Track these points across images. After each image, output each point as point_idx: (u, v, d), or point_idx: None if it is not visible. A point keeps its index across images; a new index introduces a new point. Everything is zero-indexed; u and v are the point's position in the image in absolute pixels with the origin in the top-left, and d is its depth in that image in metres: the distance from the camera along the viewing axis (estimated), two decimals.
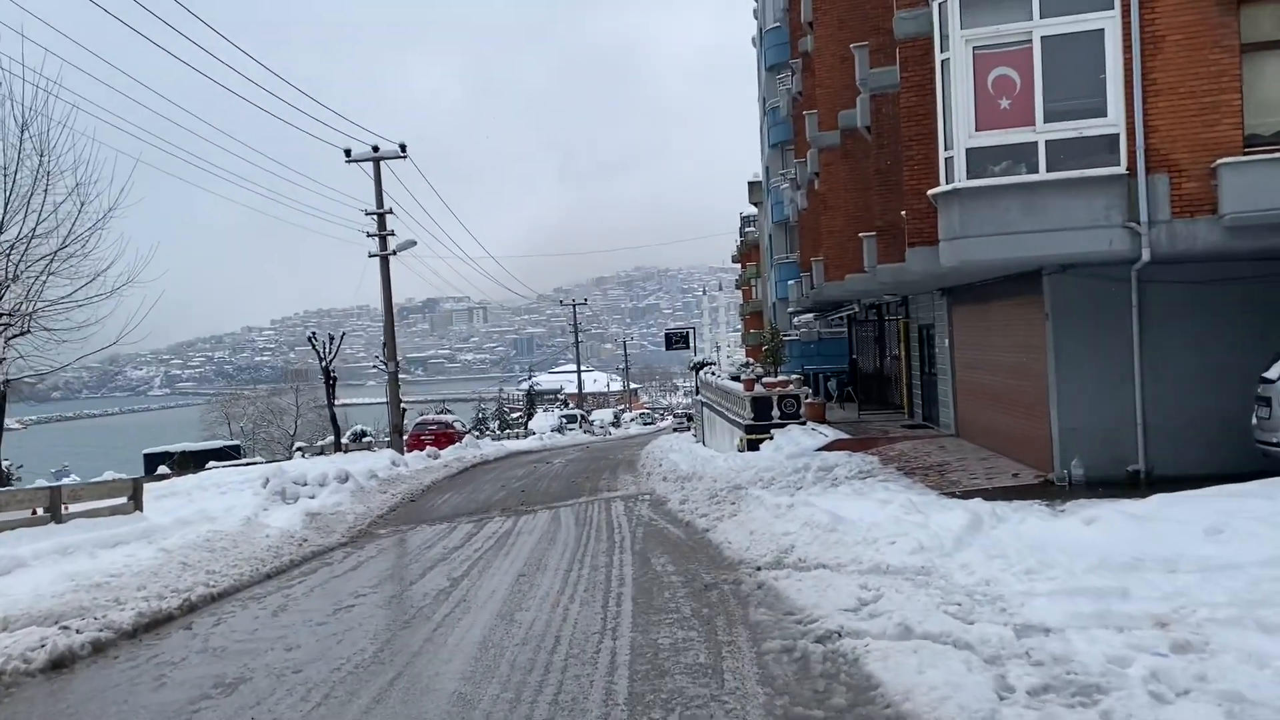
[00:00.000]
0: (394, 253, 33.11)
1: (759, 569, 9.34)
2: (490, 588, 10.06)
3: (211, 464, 31.16)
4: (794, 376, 23.49)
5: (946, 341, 19.29)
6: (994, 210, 11.91)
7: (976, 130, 12.11)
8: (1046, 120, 11.89)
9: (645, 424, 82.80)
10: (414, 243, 33.22)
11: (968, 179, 12.05)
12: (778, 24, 35.71)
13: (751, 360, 30.39)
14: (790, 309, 35.08)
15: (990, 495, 12.53)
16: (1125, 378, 13.15)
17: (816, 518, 10.08)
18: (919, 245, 13.69)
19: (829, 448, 19.29)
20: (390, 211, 32.90)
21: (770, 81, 39.31)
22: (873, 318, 28.39)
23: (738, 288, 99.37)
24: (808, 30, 23.40)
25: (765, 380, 23.61)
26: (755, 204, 71.89)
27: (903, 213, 14.36)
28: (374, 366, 36.98)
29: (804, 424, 22.65)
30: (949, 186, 12.18)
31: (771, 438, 22.55)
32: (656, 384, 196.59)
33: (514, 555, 12.24)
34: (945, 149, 12.43)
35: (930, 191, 12.63)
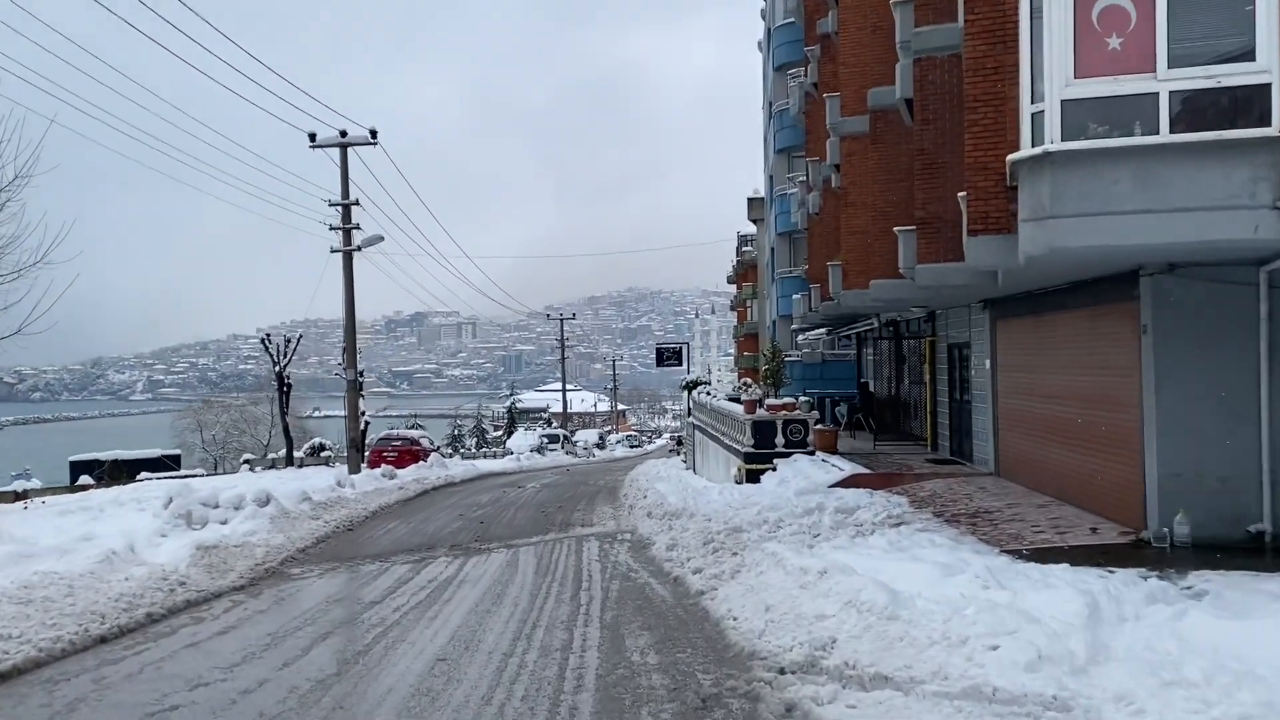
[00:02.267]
0: (359, 248, 30.11)
1: (783, 671, 6.30)
2: (388, 684, 6.96)
3: (144, 475, 27.93)
4: (801, 400, 20.50)
5: (987, 363, 16.32)
6: (1098, 182, 8.97)
7: (1076, 77, 9.18)
8: (1171, 65, 8.97)
9: (632, 446, 79.67)
10: (381, 238, 30.22)
11: (1063, 140, 9.11)
12: (790, 19, 33.01)
13: (749, 381, 27.38)
14: (794, 326, 32.12)
15: (1073, 558, 9.53)
16: (1248, 411, 10.21)
17: (864, 594, 7.02)
18: (984, 233, 10.73)
19: (845, 484, 16.29)
20: (356, 203, 29.96)
21: (778, 82, 36.60)
22: (888, 335, 25.46)
23: (733, 309, 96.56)
24: (831, 6, 20.55)
25: (769, 403, 20.60)
26: (755, 220, 69.18)
27: (961, 194, 11.41)
28: (335, 375, 33.77)
29: (812, 454, 19.65)
30: (1037, 150, 9.23)
31: (774, 469, 19.57)
32: (645, 405, 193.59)
33: (443, 621, 9.14)
34: (1032, 102, 9.50)
35: (1011, 158, 9.68)
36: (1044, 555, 9.93)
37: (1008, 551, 10.35)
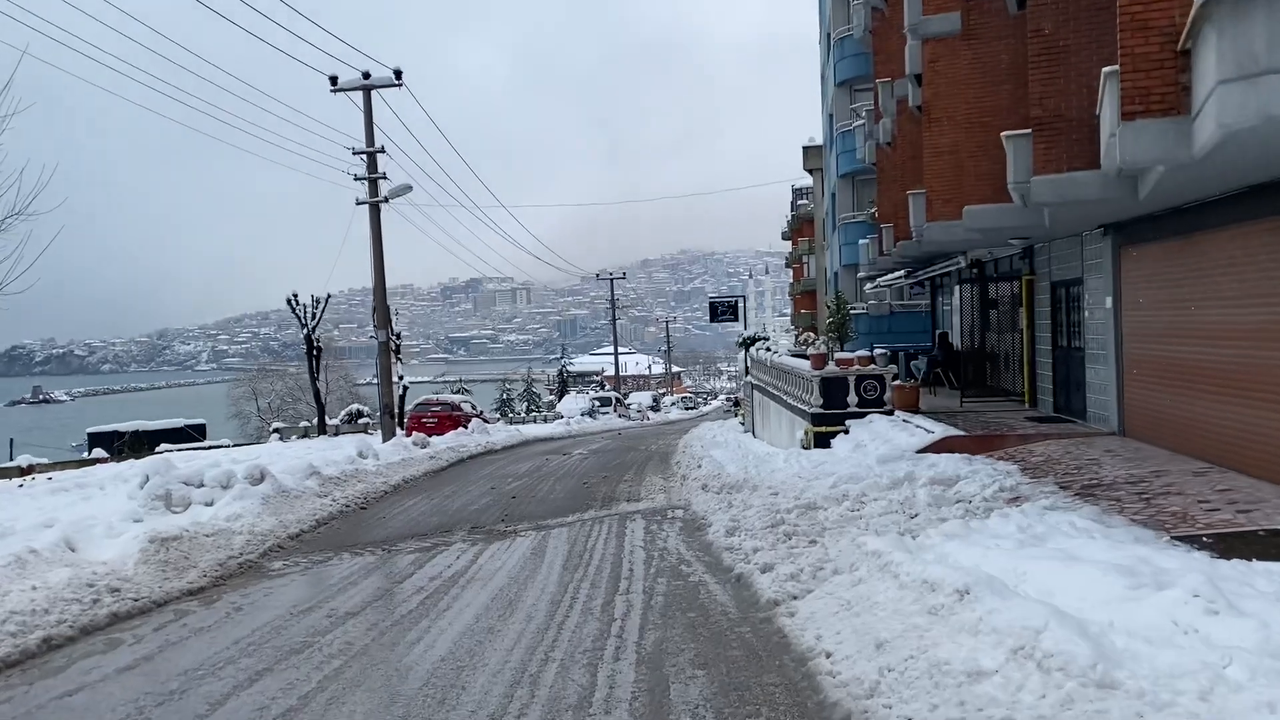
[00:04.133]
0: (385, 199, 27.92)
1: None
2: None
3: (163, 447, 26.29)
4: (877, 353, 17.85)
5: (1108, 301, 13.52)
6: None
7: None
8: None
9: (687, 408, 77.53)
10: (409, 188, 27.97)
11: None
12: None
13: (812, 335, 24.71)
14: (862, 274, 29.25)
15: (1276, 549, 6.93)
16: None
17: (1046, 638, 4.42)
18: (1145, 115, 7.99)
19: (935, 448, 13.71)
20: (382, 150, 27.72)
21: (838, 9, 33.41)
22: (968, 277, 22.58)
23: (788, 266, 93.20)
24: None
25: (839, 356, 18.01)
26: (811, 170, 65.78)
27: (1109, 69, 8.66)
28: (367, 337, 31.85)
29: (890, 414, 17.07)
30: None
31: (847, 431, 17.06)
32: (700, 367, 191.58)
33: (427, 647, 6.86)
34: None
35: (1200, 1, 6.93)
36: (1239, 545, 7.31)
37: (1181, 539, 7.75)
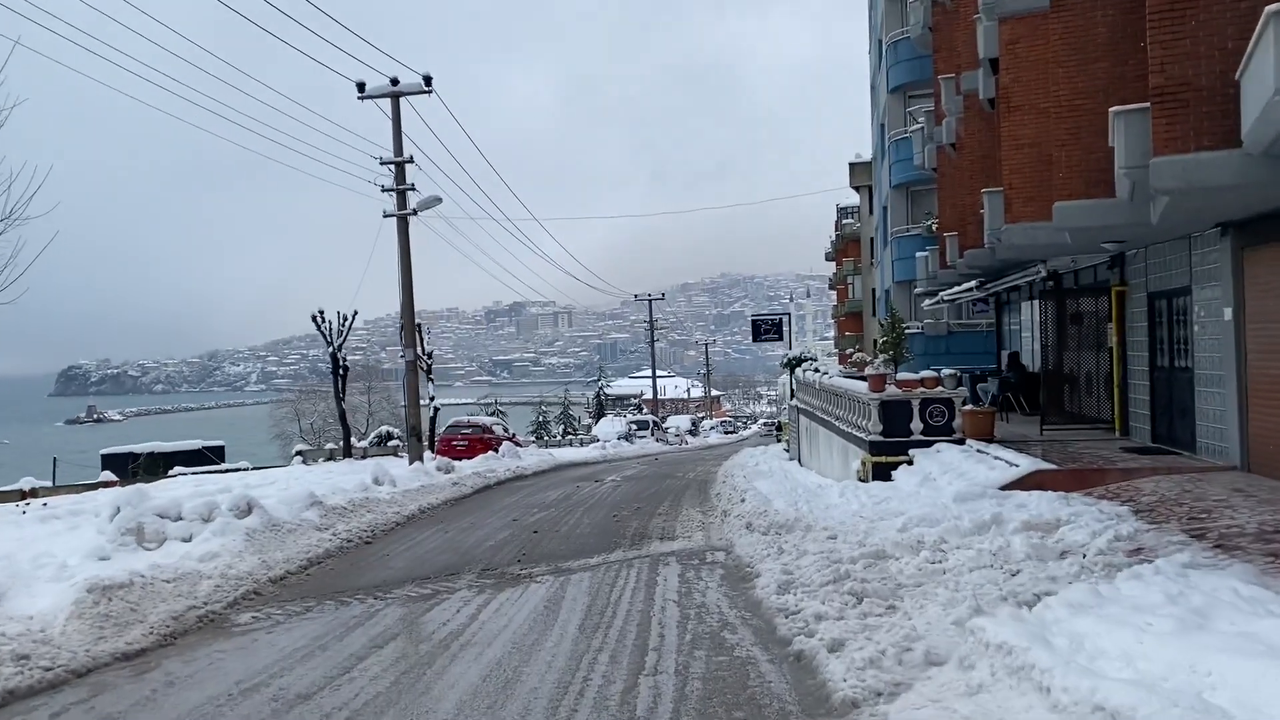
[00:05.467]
0: (414, 211, 26.55)
1: None
2: None
3: (177, 470, 24.97)
4: (945, 374, 15.94)
5: (1227, 312, 11.53)
6: None
7: None
8: None
9: (726, 432, 75.53)
10: (439, 200, 26.59)
11: None
12: None
13: (867, 355, 22.76)
14: (919, 289, 27.25)
15: None
16: None
17: None
18: None
19: (1021, 484, 11.78)
20: (411, 160, 26.38)
21: (890, 12, 31.65)
22: (1040, 291, 20.55)
23: (831, 288, 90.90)
24: None
25: (901, 378, 16.12)
26: (858, 188, 63.84)
27: (1273, 6, 6.81)
28: (399, 357, 30.39)
29: (960, 443, 15.13)
30: None
31: (910, 462, 15.17)
32: (739, 391, 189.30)
33: None
34: None
35: None
36: None
37: None
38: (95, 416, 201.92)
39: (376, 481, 17.84)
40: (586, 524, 14.89)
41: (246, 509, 12.20)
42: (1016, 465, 12.22)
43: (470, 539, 13.63)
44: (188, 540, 11.44)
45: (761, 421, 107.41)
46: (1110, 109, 10.04)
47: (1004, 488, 11.78)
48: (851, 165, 63.99)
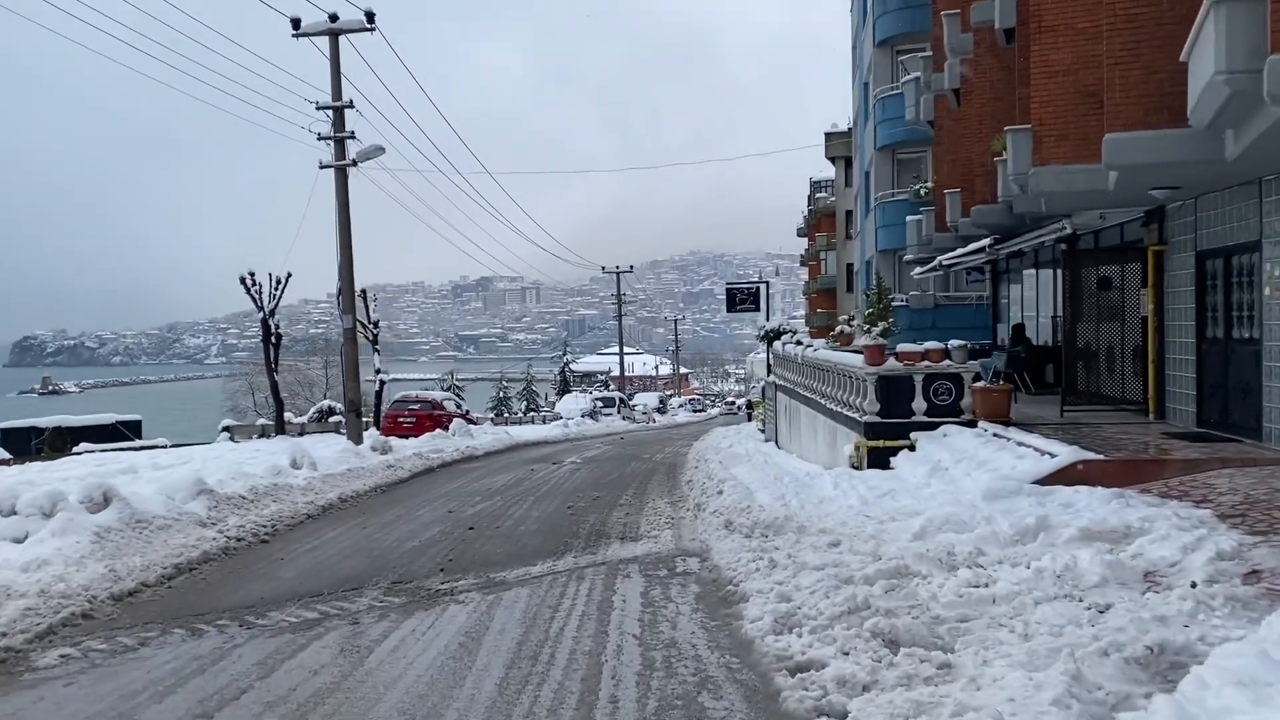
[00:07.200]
0: (354, 162, 23.94)
1: None
2: None
3: (84, 447, 22.32)
4: (952, 345, 13.80)
5: None
6: None
7: None
8: None
9: (695, 410, 73.49)
10: (381, 150, 23.96)
11: None
12: None
13: (853, 323, 20.57)
14: (908, 256, 25.06)
15: None
16: None
17: None
18: None
19: (1059, 477, 9.63)
20: (350, 105, 23.76)
21: None
22: (1048, 258, 18.48)
23: (803, 263, 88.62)
24: None
25: (902, 350, 13.95)
26: (833, 159, 61.75)
27: None
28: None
29: (972, 425, 13.01)
30: None
31: (913, 447, 13.05)
32: (708, 369, 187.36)
33: None
34: None
35: None
36: None
37: None
38: (51, 388, 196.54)
39: (294, 464, 15.43)
40: (534, 518, 12.60)
41: (103, 500, 9.77)
42: (1053, 455, 10.07)
43: (390, 538, 11.29)
44: (20, 541, 9.03)
45: (731, 397, 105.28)
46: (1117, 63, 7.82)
47: (1039, 481, 9.64)
48: (827, 135, 61.75)
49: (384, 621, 7.36)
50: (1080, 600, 6.01)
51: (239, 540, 10.80)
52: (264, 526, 11.59)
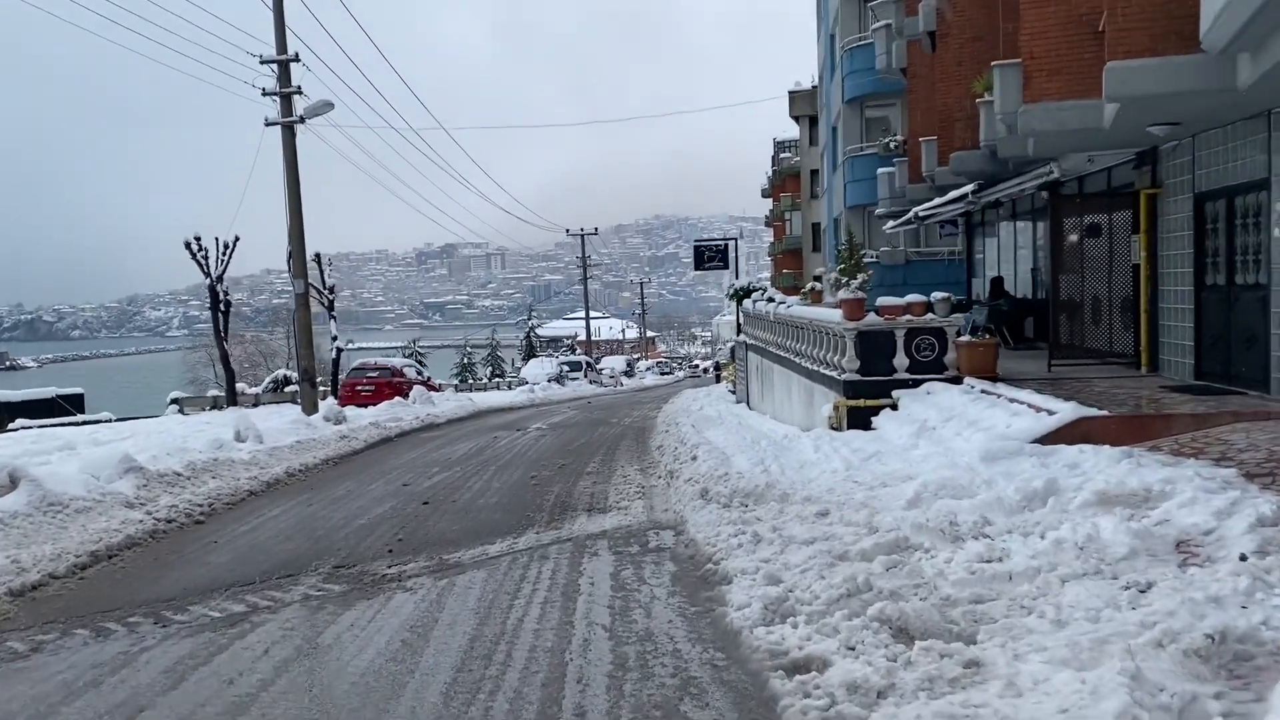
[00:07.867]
0: (301, 119, 22.66)
1: None
2: None
3: (20, 423, 21.06)
4: (936, 298, 13.04)
5: None
6: None
7: None
8: None
9: (662, 373, 72.79)
10: (330, 105, 22.69)
11: None
12: None
13: (831, 277, 19.83)
14: (880, 210, 24.28)
15: None
16: None
17: None
18: None
19: (1060, 435, 8.94)
20: (297, 58, 22.45)
21: None
22: (1027, 209, 17.80)
23: (768, 224, 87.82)
24: None
25: (883, 304, 13.19)
26: (797, 118, 60.86)
27: None
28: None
29: (957, 381, 12.31)
30: None
31: (895, 405, 12.35)
32: (674, 333, 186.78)
33: None
34: None
35: None
36: None
37: None
38: (8, 364, 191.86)
39: (238, 437, 14.41)
40: (495, 489, 11.75)
41: (9, 482, 8.78)
42: (1053, 411, 9.35)
43: (337, 515, 10.38)
44: None
45: (697, 360, 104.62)
46: None
47: (1039, 440, 8.93)
48: (791, 94, 60.74)
49: (321, 613, 6.50)
50: (1114, 578, 5.26)
51: (169, 522, 9.84)
52: (199, 506, 10.63)
